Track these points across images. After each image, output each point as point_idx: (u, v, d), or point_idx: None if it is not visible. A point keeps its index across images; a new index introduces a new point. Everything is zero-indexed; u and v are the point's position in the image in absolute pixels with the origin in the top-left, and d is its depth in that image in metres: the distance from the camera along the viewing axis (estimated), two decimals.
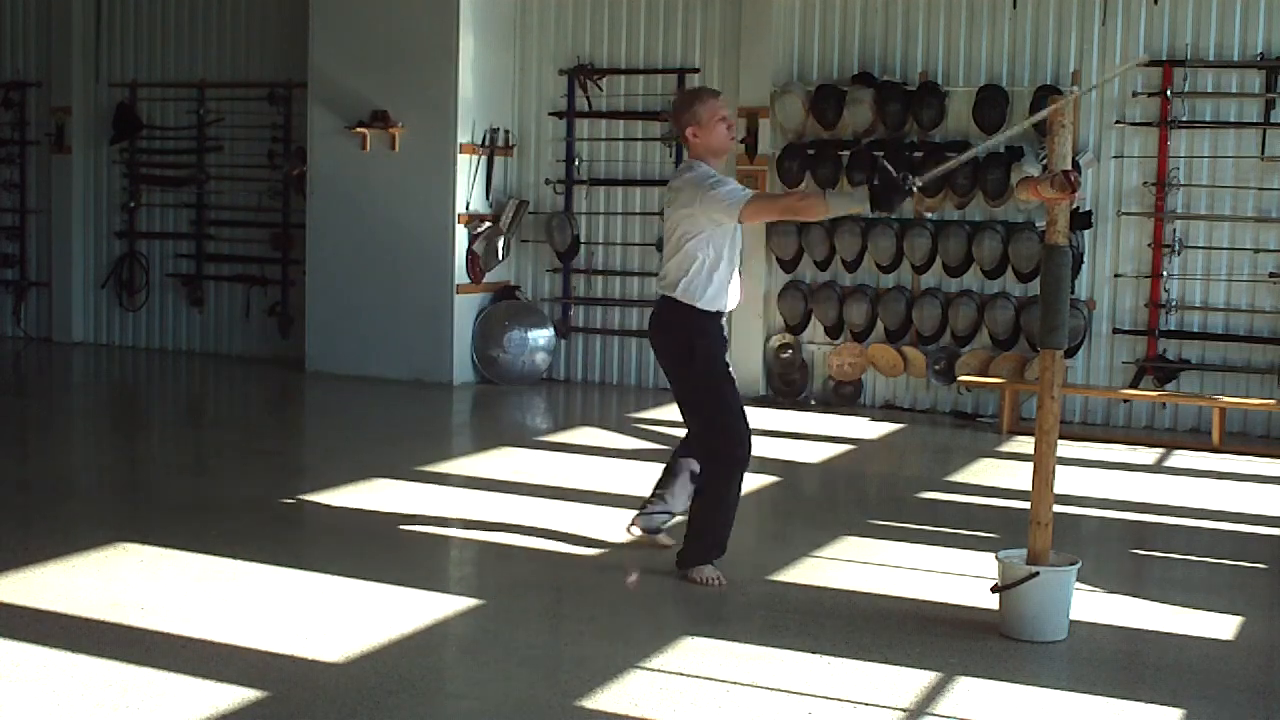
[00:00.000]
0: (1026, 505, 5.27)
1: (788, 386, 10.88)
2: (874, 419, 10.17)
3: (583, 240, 11.55)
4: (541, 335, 11.46)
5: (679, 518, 6.09)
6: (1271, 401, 9.36)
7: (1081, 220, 9.75)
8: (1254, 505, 7.67)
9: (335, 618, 5.18)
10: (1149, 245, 9.88)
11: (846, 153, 10.47)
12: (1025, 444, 8.46)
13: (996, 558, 5.24)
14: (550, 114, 11.64)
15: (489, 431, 10.01)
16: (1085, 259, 9.93)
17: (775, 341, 10.88)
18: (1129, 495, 7.83)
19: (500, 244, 11.40)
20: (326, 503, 7.08)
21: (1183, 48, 9.77)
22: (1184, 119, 9.76)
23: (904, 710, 4.40)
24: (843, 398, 10.71)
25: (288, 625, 5.06)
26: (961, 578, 5.91)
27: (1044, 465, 5.17)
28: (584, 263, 11.63)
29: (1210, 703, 4.55)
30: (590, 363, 11.67)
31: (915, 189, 5.33)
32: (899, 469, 8.94)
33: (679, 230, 5.65)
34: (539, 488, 7.50)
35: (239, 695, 4.34)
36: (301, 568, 5.81)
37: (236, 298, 12.81)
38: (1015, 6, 10.19)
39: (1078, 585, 5.25)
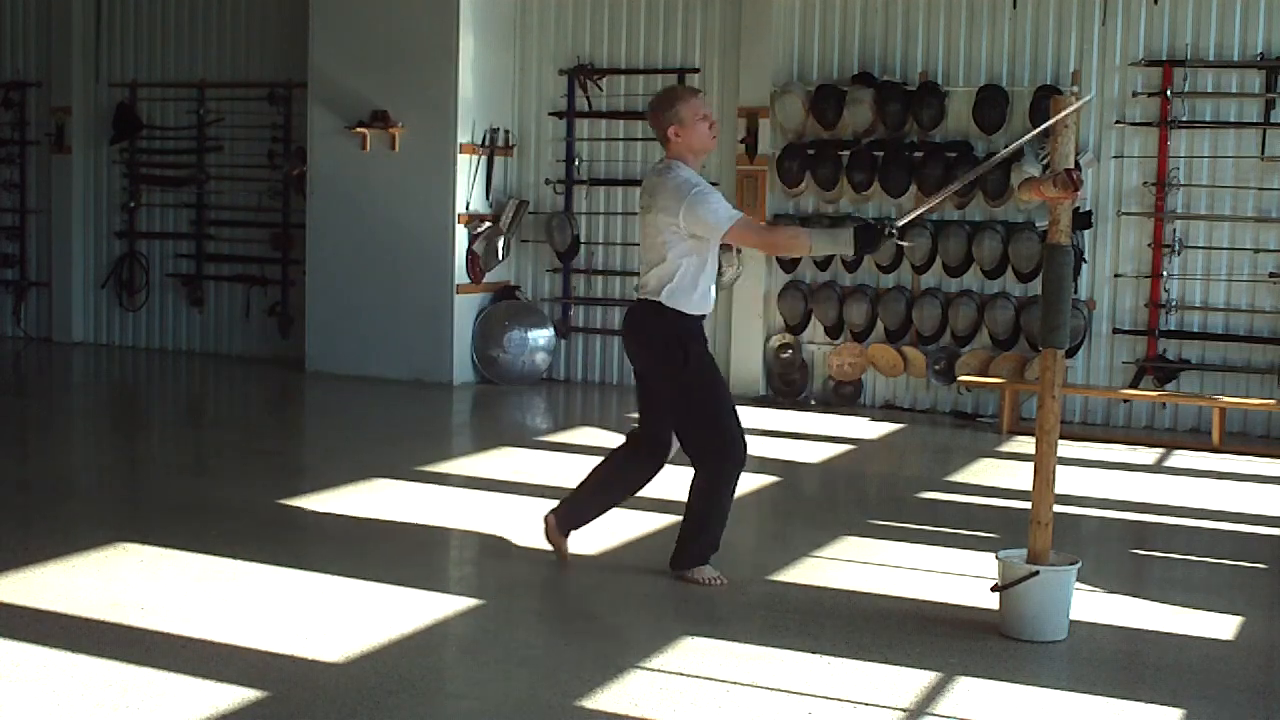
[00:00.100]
0: (1026, 505, 5.27)
1: (788, 386, 10.88)
2: (874, 419, 10.17)
3: (583, 240, 11.55)
4: (541, 335, 11.46)
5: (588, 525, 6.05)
6: (1271, 401, 9.36)
7: (1081, 220, 9.75)
8: (1254, 505, 7.67)
9: (335, 618, 5.17)
10: (1149, 245, 9.88)
11: (846, 153, 10.47)
12: (1025, 444, 8.47)
13: (996, 557, 5.24)
14: (550, 114, 11.64)
15: (489, 431, 10.01)
16: (1085, 259, 9.93)
17: (775, 341, 10.88)
18: (1129, 495, 7.83)
19: (500, 244, 11.40)
20: (326, 503, 7.08)
21: (1183, 48, 9.77)
22: (1184, 119, 9.76)
23: (904, 710, 4.40)
24: (843, 398, 10.71)
25: (288, 625, 5.06)
26: (961, 578, 5.91)
27: (1044, 465, 5.17)
28: (584, 263, 11.63)
29: (1210, 703, 4.55)
30: (590, 363, 11.67)
31: (894, 233, 5.42)
32: (899, 469, 8.94)
33: (661, 238, 5.55)
34: (539, 488, 7.50)
35: (239, 695, 4.34)
36: (301, 568, 5.81)
37: (236, 298, 12.81)
38: (1015, 6, 10.19)
39: (1078, 585, 5.25)
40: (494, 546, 6.32)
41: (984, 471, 8.45)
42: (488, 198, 11.43)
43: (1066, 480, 7.45)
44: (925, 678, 4.68)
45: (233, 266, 12.79)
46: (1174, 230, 9.81)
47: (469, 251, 11.28)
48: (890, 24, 10.57)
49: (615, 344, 11.53)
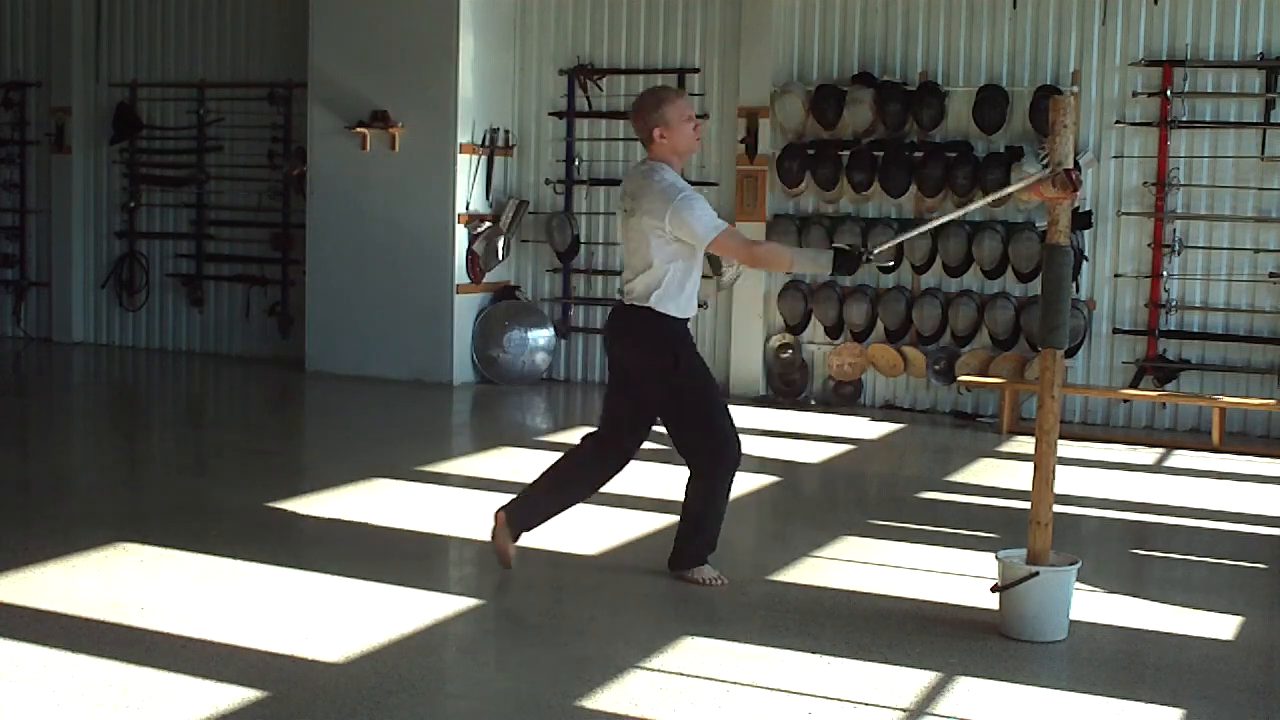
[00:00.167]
0: (1026, 505, 5.27)
1: (788, 386, 10.88)
2: (874, 419, 10.17)
3: (583, 240, 11.55)
4: (541, 335, 11.46)
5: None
6: (1271, 401, 9.36)
7: (1081, 220, 9.76)
8: (1254, 505, 7.67)
9: (335, 618, 5.18)
10: (1149, 245, 9.88)
11: (846, 153, 10.47)
12: (1025, 444, 8.47)
13: (996, 558, 5.24)
14: (550, 114, 11.64)
15: (489, 431, 10.01)
16: (1086, 256, 9.93)
17: (775, 341, 10.88)
18: (1129, 495, 7.83)
19: (500, 244, 11.40)
20: (326, 503, 7.08)
21: (1183, 48, 9.77)
22: (1184, 119, 9.76)
23: (904, 710, 4.40)
24: (843, 398, 10.71)
25: (288, 625, 5.06)
26: (961, 578, 5.91)
27: (1044, 465, 5.17)
28: (584, 263, 11.63)
29: (1210, 703, 4.55)
30: (590, 363, 11.67)
31: (870, 259, 5.58)
32: (899, 469, 8.94)
33: (648, 243, 5.48)
34: None
35: (239, 695, 4.34)
36: (301, 568, 5.81)
37: (236, 298, 12.81)
38: (1015, 6, 10.19)
39: (1078, 585, 5.25)
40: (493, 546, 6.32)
41: (984, 471, 8.45)
42: (488, 198, 11.44)
43: (1066, 480, 7.45)
44: (925, 678, 4.68)
45: (233, 266, 12.79)
46: (1174, 230, 9.81)
47: (469, 251, 11.28)
48: (890, 24, 10.57)
49: None
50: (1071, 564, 5.19)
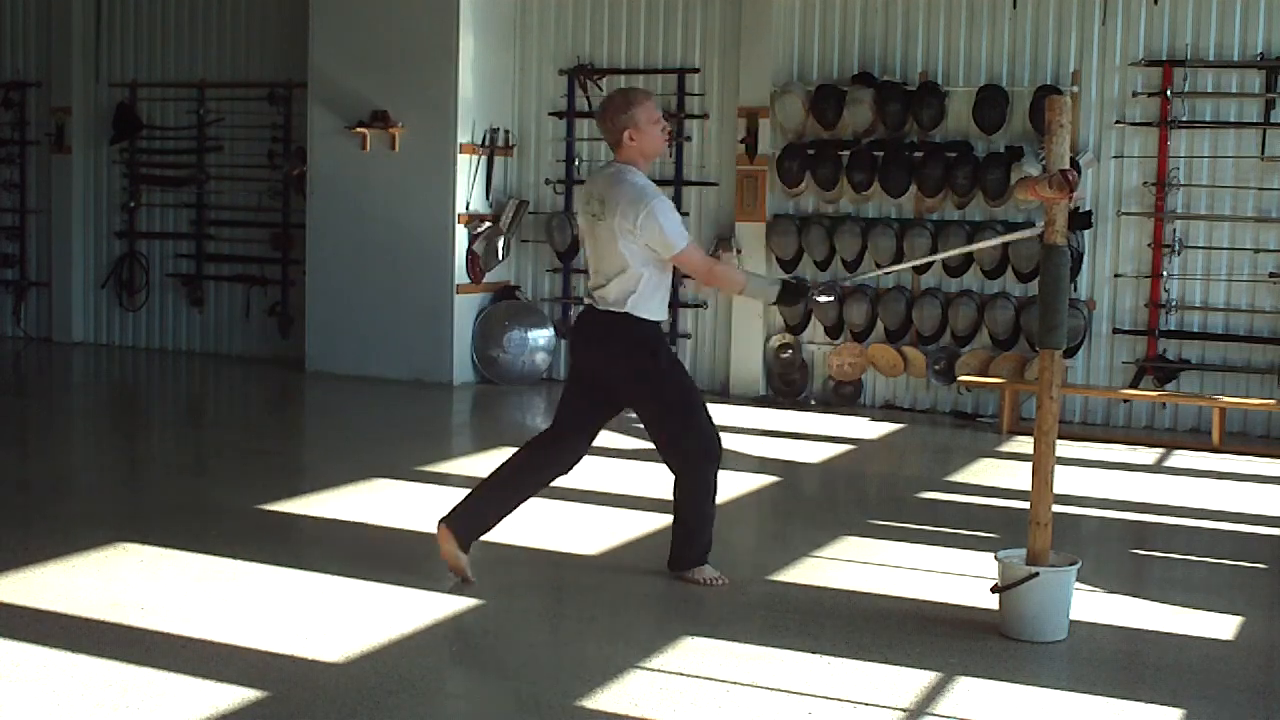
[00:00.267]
0: (1026, 505, 5.27)
1: (788, 386, 10.88)
2: (874, 419, 10.17)
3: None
4: (541, 335, 11.46)
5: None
6: (1271, 401, 9.36)
7: (1081, 220, 9.76)
8: (1254, 505, 7.67)
9: (335, 618, 5.18)
10: (1149, 245, 9.88)
11: (846, 153, 10.47)
12: (1025, 444, 8.45)
13: (996, 558, 5.24)
14: (550, 114, 11.64)
15: (489, 431, 10.01)
16: (1085, 259, 9.93)
17: (775, 341, 10.88)
18: (1129, 495, 7.83)
19: (500, 244, 11.40)
20: (326, 503, 7.08)
21: (1183, 48, 9.77)
22: (1184, 119, 9.76)
23: (904, 710, 4.40)
24: (843, 398, 10.71)
25: (288, 625, 5.06)
26: (961, 578, 5.91)
27: (1043, 465, 5.17)
28: (584, 263, 11.58)
29: (1210, 703, 4.55)
30: None
31: (813, 294, 5.75)
32: (899, 469, 8.94)
33: (621, 250, 5.42)
34: None
35: (239, 695, 4.34)
36: (301, 568, 5.81)
37: (236, 298, 12.81)
38: (1015, 6, 10.19)
39: (1078, 585, 5.25)
40: (494, 547, 6.31)
41: (984, 471, 8.45)
42: (488, 198, 11.44)
43: (1066, 480, 7.46)
44: (925, 678, 4.68)
45: (233, 266, 12.79)
46: (1174, 230, 9.80)
47: (469, 251, 11.28)
48: (890, 24, 10.56)
49: None
50: (1071, 564, 5.19)
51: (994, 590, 5.17)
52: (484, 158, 11.36)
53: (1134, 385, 9.87)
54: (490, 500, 5.69)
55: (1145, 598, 5.84)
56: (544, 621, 5.41)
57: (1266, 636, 5.36)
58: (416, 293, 11.26)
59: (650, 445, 5.91)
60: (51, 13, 13.20)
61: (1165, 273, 9.82)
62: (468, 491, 5.79)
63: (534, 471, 5.74)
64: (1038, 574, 5.04)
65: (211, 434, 9.89)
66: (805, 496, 8.09)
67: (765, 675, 4.66)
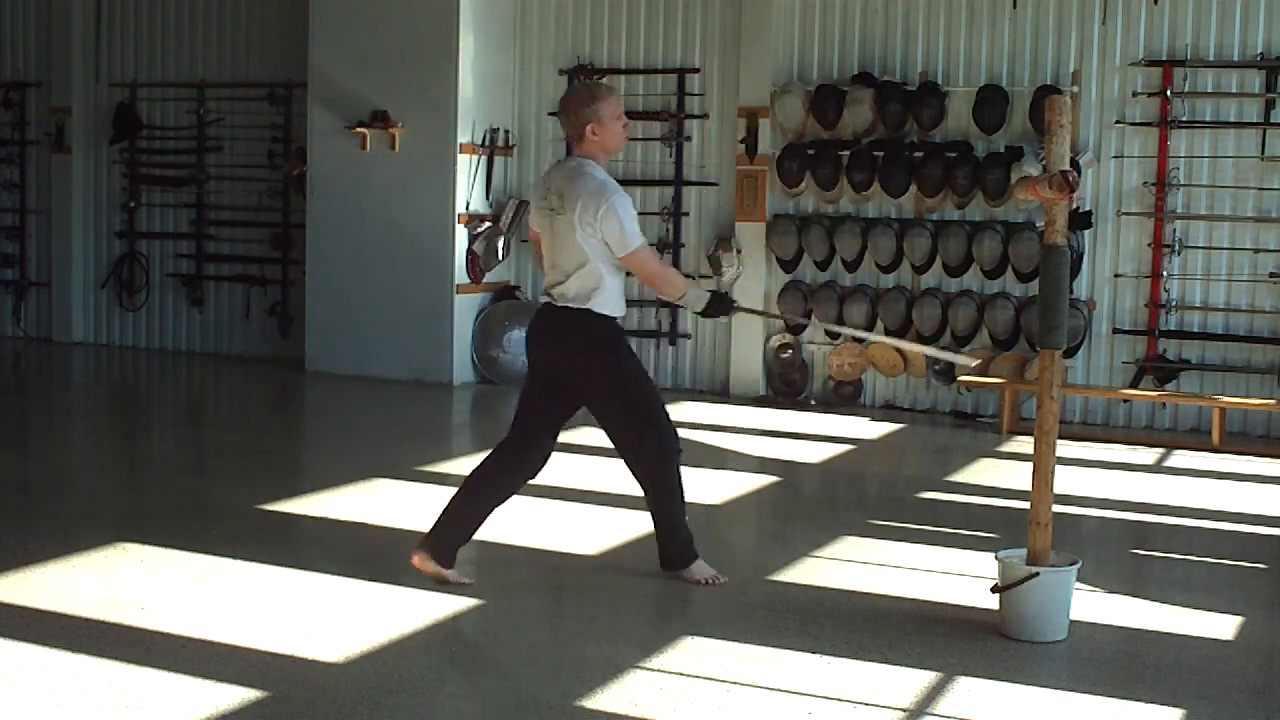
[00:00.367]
0: (1026, 505, 5.27)
1: (788, 386, 10.88)
2: (874, 419, 10.17)
3: None
4: None
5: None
6: (1271, 401, 9.36)
7: (1081, 220, 9.76)
8: (1254, 505, 7.67)
9: (335, 618, 5.18)
10: (1149, 245, 9.88)
11: (846, 153, 10.47)
12: (1025, 444, 8.46)
13: (996, 558, 5.24)
14: (550, 114, 11.61)
15: (489, 431, 9.98)
16: (1085, 259, 9.93)
17: (775, 341, 10.88)
18: (1129, 495, 7.83)
19: (500, 244, 11.40)
20: (326, 503, 7.08)
21: (1183, 48, 9.77)
22: (1184, 119, 9.76)
23: (904, 710, 4.40)
24: (843, 398, 10.71)
25: (288, 625, 5.06)
26: (961, 578, 5.91)
27: (1044, 465, 5.17)
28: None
29: (1210, 703, 4.55)
30: None
31: (736, 307, 5.97)
32: (899, 469, 8.94)
33: (580, 243, 5.41)
34: (539, 488, 7.43)
35: (239, 695, 4.34)
36: (301, 568, 5.81)
37: (236, 298, 12.81)
38: (1015, 6, 10.19)
39: (1078, 585, 5.25)
40: (493, 547, 6.32)
41: (984, 471, 8.45)
42: (488, 198, 11.44)
43: (1066, 480, 7.45)
44: (925, 678, 4.68)
45: (233, 266, 12.79)
46: (1174, 230, 9.81)
47: (469, 251, 11.28)
48: (890, 24, 10.56)
49: None
50: (1071, 564, 5.19)
51: (994, 590, 5.17)
52: (484, 158, 11.36)
53: (1134, 385, 9.87)
54: (464, 515, 5.67)
55: (1145, 598, 5.84)
56: (544, 621, 5.41)
57: (1266, 636, 5.35)
58: (416, 293, 11.25)
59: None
60: (51, 13, 13.20)
61: (1165, 273, 9.82)
62: (440, 511, 5.72)
63: (503, 478, 5.71)
64: (1038, 574, 5.05)
65: (211, 434, 9.89)
66: (805, 496, 8.09)
67: (765, 675, 4.66)
